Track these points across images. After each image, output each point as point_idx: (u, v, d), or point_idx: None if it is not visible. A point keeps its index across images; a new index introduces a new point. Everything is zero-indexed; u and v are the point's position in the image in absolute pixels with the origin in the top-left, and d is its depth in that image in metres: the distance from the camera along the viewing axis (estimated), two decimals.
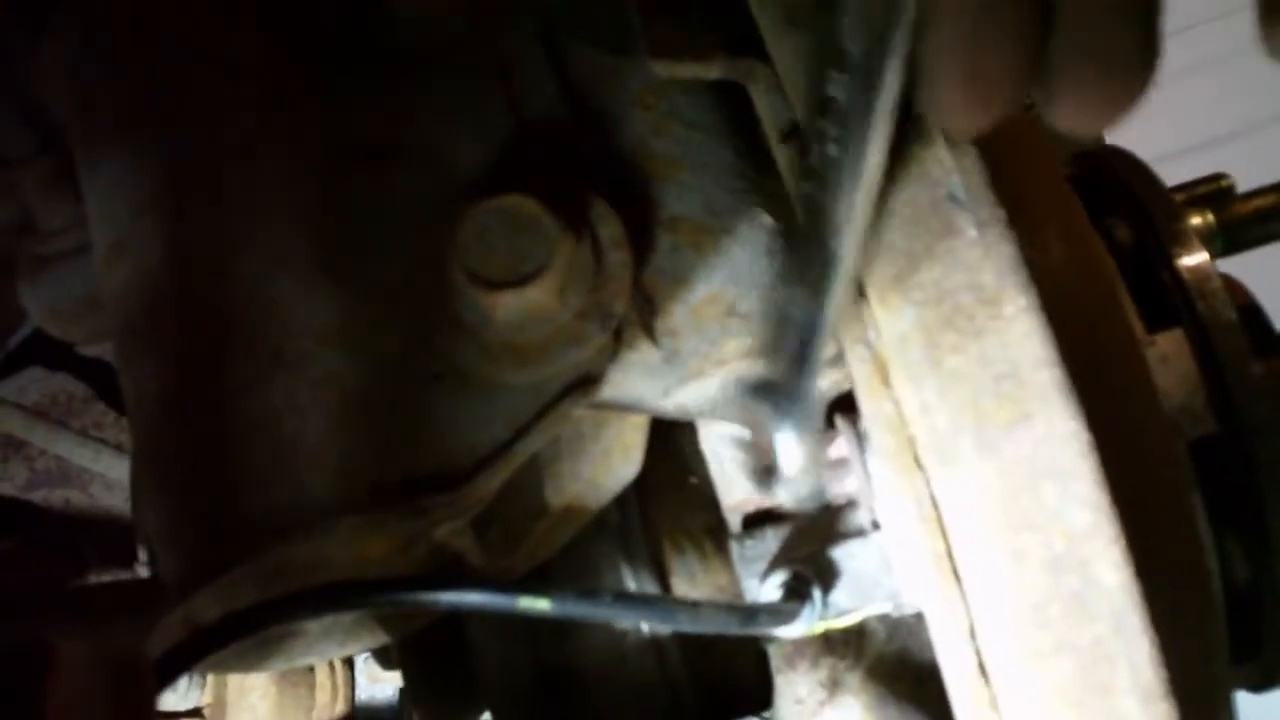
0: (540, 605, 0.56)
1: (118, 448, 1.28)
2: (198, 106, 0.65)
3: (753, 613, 0.60)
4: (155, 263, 0.62)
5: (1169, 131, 0.76)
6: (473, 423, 0.60)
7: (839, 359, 0.63)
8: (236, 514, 0.60)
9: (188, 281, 0.61)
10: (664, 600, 0.60)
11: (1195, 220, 0.73)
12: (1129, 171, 0.70)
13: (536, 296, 0.58)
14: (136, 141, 0.65)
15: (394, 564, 0.61)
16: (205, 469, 0.60)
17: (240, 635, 0.58)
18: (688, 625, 0.59)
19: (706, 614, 0.59)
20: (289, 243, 0.62)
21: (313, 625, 0.68)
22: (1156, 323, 0.67)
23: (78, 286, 0.72)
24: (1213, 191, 0.78)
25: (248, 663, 0.68)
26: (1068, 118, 0.46)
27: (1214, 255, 0.70)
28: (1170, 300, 0.67)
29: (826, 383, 0.65)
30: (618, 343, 0.62)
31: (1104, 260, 0.62)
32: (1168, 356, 0.65)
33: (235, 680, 1.02)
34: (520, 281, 0.58)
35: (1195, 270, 0.67)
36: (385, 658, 0.87)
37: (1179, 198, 0.76)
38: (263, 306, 0.61)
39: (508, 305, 0.58)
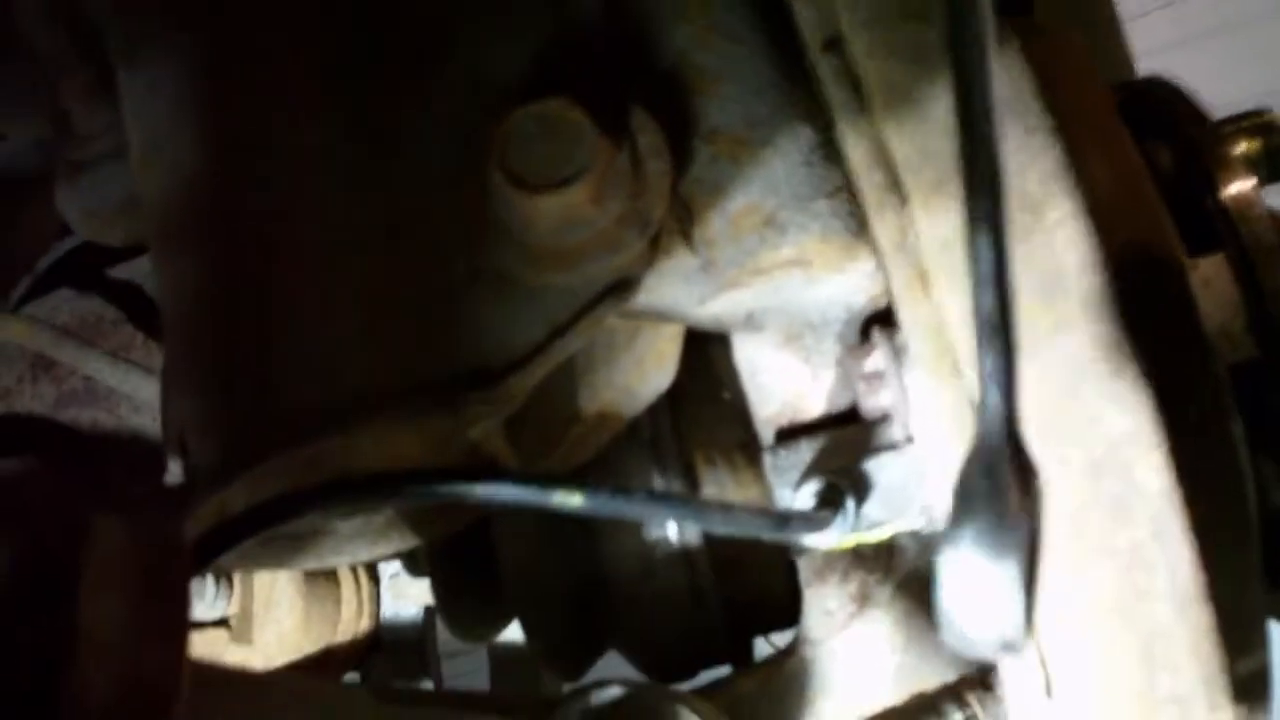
0: (573, 501, 0.56)
1: (146, 369, 1.28)
2: (237, 9, 0.64)
3: (786, 518, 0.60)
4: (193, 162, 0.62)
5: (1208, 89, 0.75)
6: (510, 323, 0.60)
7: (875, 273, 0.63)
8: (271, 406, 0.60)
9: (226, 180, 0.62)
10: (698, 501, 0.60)
11: (1240, 147, 0.72)
12: (1173, 99, 0.70)
13: (575, 200, 0.58)
14: (176, 43, 0.65)
15: (427, 463, 0.61)
16: (241, 362, 0.61)
17: (272, 523, 0.58)
18: (721, 526, 0.60)
19: (740, 516, 0.59)
20: (329, 142, 0.62)
21: (343, 524, 0.68)
22: (1197, 248, 0.66)
23: (115, 190, 0.72)
24: (1257, 124, 0.77)
25: (277, 558, 0.69)
26: None
27: (1259, 183, 0.69)
28: (1213, 225, 0.66)
29: (863, 298, 0.65)
30: (655, 250, 0.62)
31: (1146, 179, 0.62)
32: (1209, 280, 0.65)
33: (261, 593, 1.03)
34: (559, 185, 0.58)
35: (1239, 196, 0.66)
36: (414, 565, 0.87)
37: (1224, 129, 0.75)
38: (301, 205, 0.61)
39: (546, 208, 0.58)
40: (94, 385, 1.34)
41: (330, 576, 1.08)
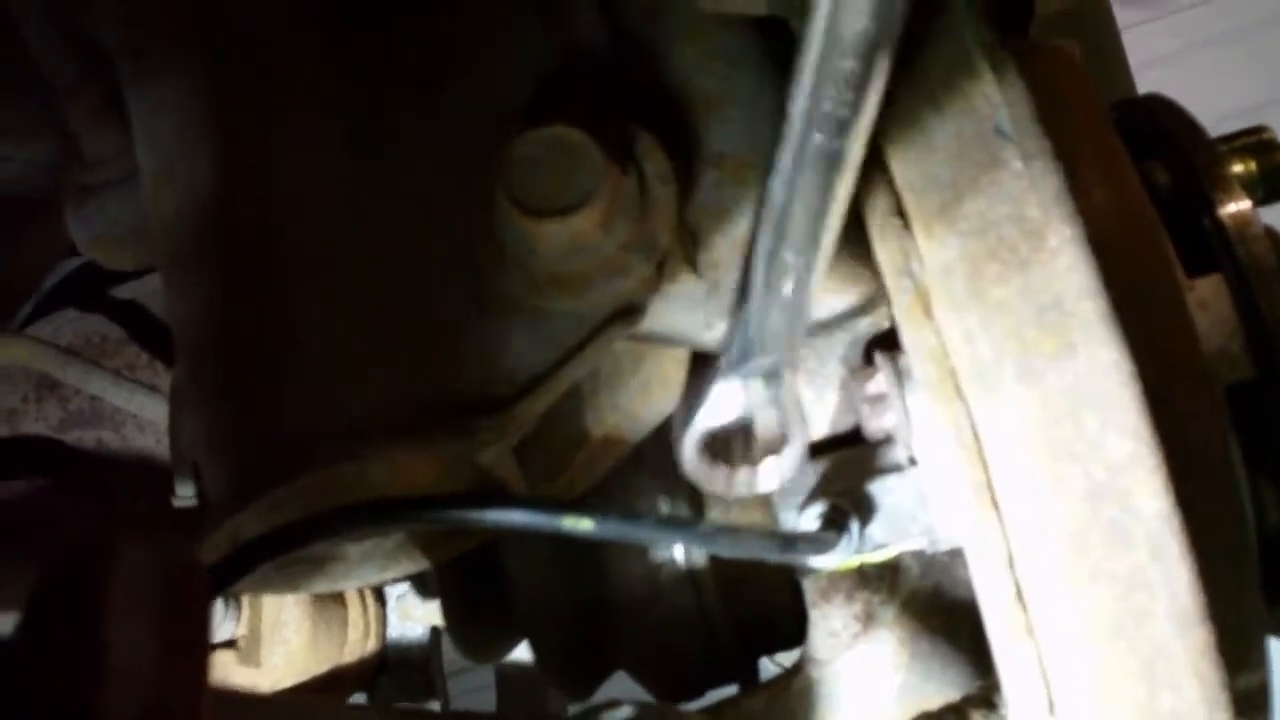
0: (583, 525, 0.57)
1: (151, 389, 1.29)
2: (248, 30, 0.65)
3: (792, 540, 0.61)
4: (203, 185, 0.63)
5: (1208, 98, 0.76)
6: (518, 348, 0.61)
7: (878, 299, 0.64)
8: (282, 433, 0.61)
9: (235, 203, 0.62)
10: (705, 525, 0.60)
11: (1237, 168, 0.73)
12: (1171, 117, 0.71)
13: (581, 226, 0.59)
14: (185, 65, 0.66)
15: (438, 488, 0.62)
16: (251, 388, 0.61)
17: (286, 549, 0.59)
18: (728, 550, 0.60)
19: (747, 539, 0.60)
20: (336, 167, 0.63)
21: (354, 548, 0.69)
22: (1195, 269, 0.67)
23: (124, 215, 0.73)
24: (1254, 143, 0.78)
25: (289, 583, 0.69)
26: None
27: (1256, 203, 0.70)
28: (1210, 246, 0.67)
29: (865, 321, 0.66)
30: (661, 275, 0.62)
31: (1145, 202, 0.62)
32: (1206, 301, 0.66)
33: (269, 615, 1.04)
34: (565, 211, 0.58)
35: (1236, 216, 0.67)
36: (423, 587, 0.88)
37: (1220, 148, 0.76)
38: (308, 229, 0.62)
39: (553, 234, 0.59)
40: (99, 405, 1.34)
41: (337, 598, 1.09)
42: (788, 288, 0.55)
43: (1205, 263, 0.67)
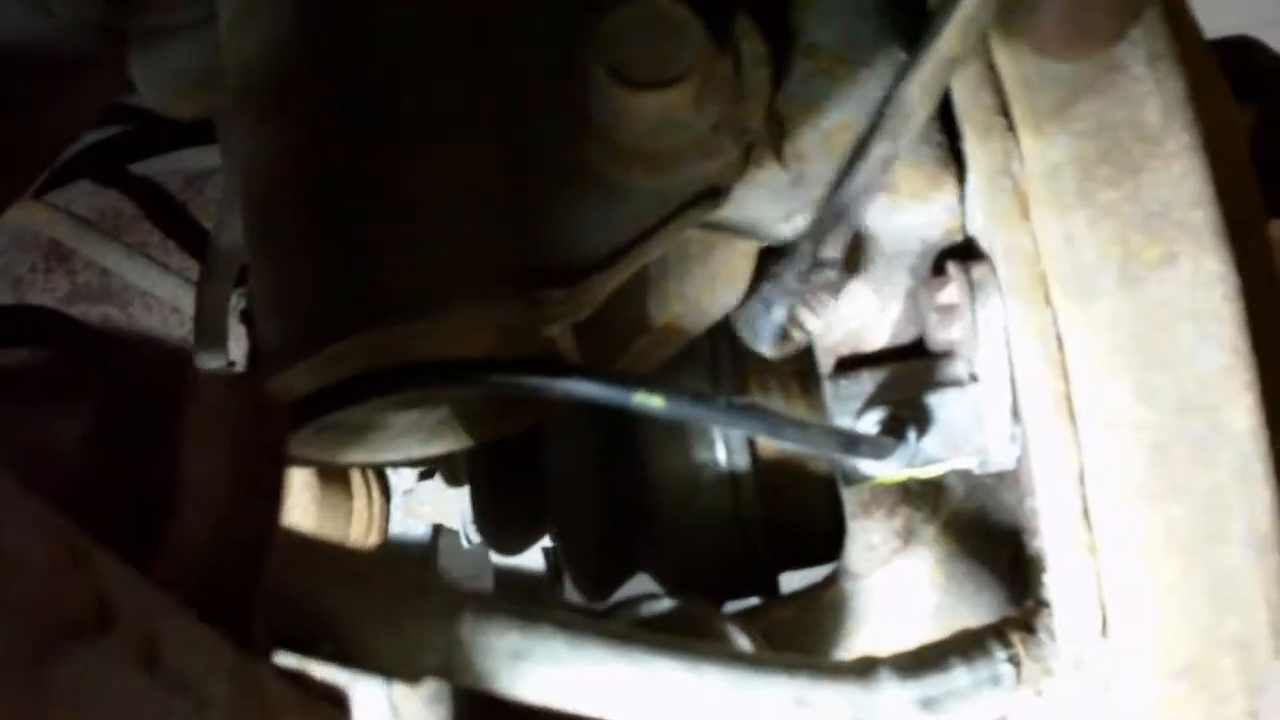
0: (654, 403, 0.56)
1: (164, 266, 1.27)
2: None
3: (855, 440, 0.60)
4: (292, 29, 0.61)
5: None
6: (597, 222, 0.60)
7: (956, 206, 0.63)
8: (347, 288, 0.59)
9: (327, 49, 0.61)
10: (775, 414, 0.59)
11: None
12: (1263, 59, 0.70)
13: (676, 101, 0.58)
14: None
15: (498, 355, 0.61)
16: (320, 239, 0.60)
17: (349, 403, 0.58)
18: (794, 441, 0.60)
19: (813, 434, 0.59)
20: (426, 22, 0.61)
21: (399, 418, 0.68)
22: (1272, 210, 0.66)
23: (193, 60, 0.71)
24: None
25: (328, 449, 0.68)
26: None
27: None
28: None
29: (939, 231, 0.65)
30: (747, 161, 0.61)
31: (1241, 131, 0.62)
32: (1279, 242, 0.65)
33: None
34: (662, 83, 0.57)
35: None
36: (452, 474, 0.87)
37: None
38: (396, 83, 0.60)
39: (647, 106, 0.58)
40: (108, 281, 1.33)
41: (344, 488, 1.08)
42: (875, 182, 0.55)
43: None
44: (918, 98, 0.54)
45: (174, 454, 0.43)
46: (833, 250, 0.60)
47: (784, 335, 0.61)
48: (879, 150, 0.55)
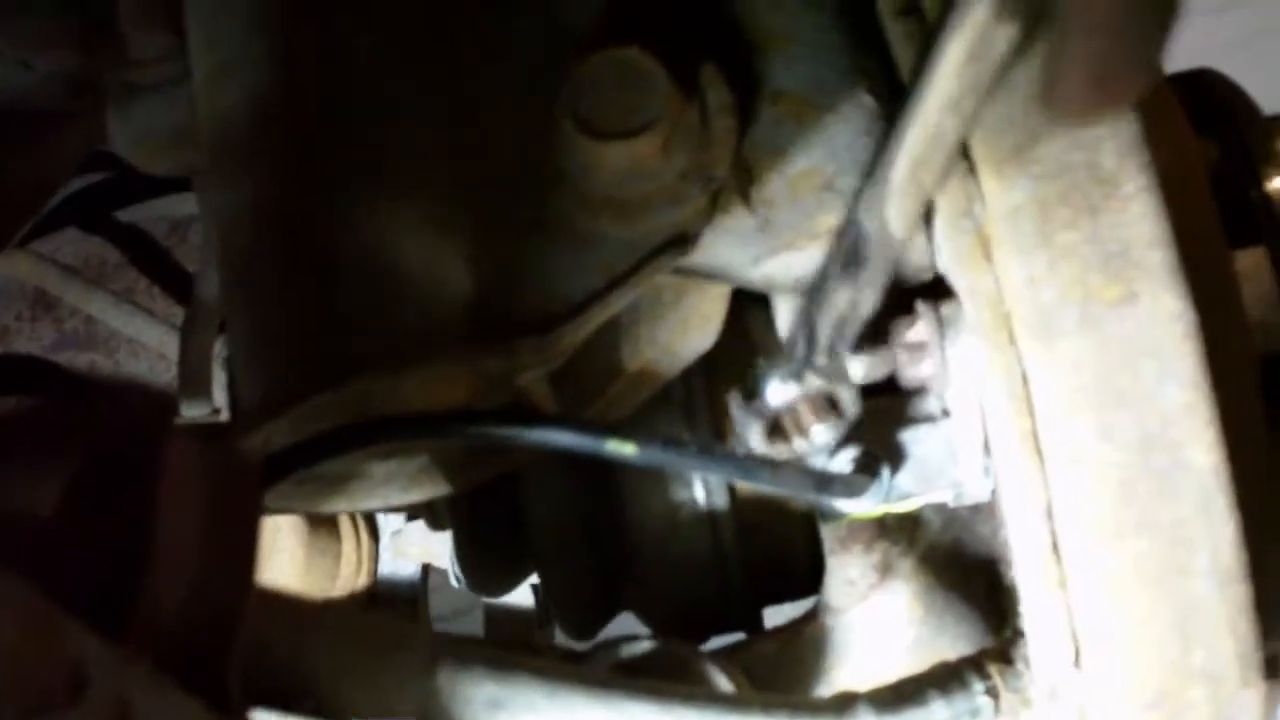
0: (626, 449, 0.57)
1: (149, 314, 1.28)
2: None
3: (827, 480, 0.61)
4: (265, 84, 0.62)
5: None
6: (568, 271, 0.60)
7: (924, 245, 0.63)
8: (323, 342, 0.60)
9: (299, 103, 0.61)
10: (747, 457, 0.60)
11: None
12: (1223, 91, 0.71)
13: (643, 150, 0.59)
14: None
15: (473, 406, 0.62)
16: (294, 294, 0.61)
17: (317, 460, 0.58)
18: (767, 483, 0.60)
19: (786, 475, 0.60)
20: (399, 77, 0.62)
21: (379, 468, 0.69)
22: (1237, 241, 0.67)
23: (169, 117, 0.72)
24: None
25: (309, 500, 0.69)
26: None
27: None
28: (1255, 218, 0.68)
29: (907, 269, 0.66)
30: (714, 207, 0.62)
31: (1201, 168, 0.63)
32: (1247, 273, 0.66)
33: (264, 542, 1.03)
34: (629, 133, 0.58)
35: None
36: (434, 518, 0.88)
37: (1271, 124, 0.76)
38: (371, 137, 0.61)
39: (614, 156, 0.59)
40: (94, 328, 1.33)
41: (332, 530, 1.08)
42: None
43: (1248, 236, 0.68)
44: (895, 224, 0.54)
45: (148, 516, 0.44)
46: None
47: (777, 429, 0.61)
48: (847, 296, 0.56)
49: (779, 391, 0.60)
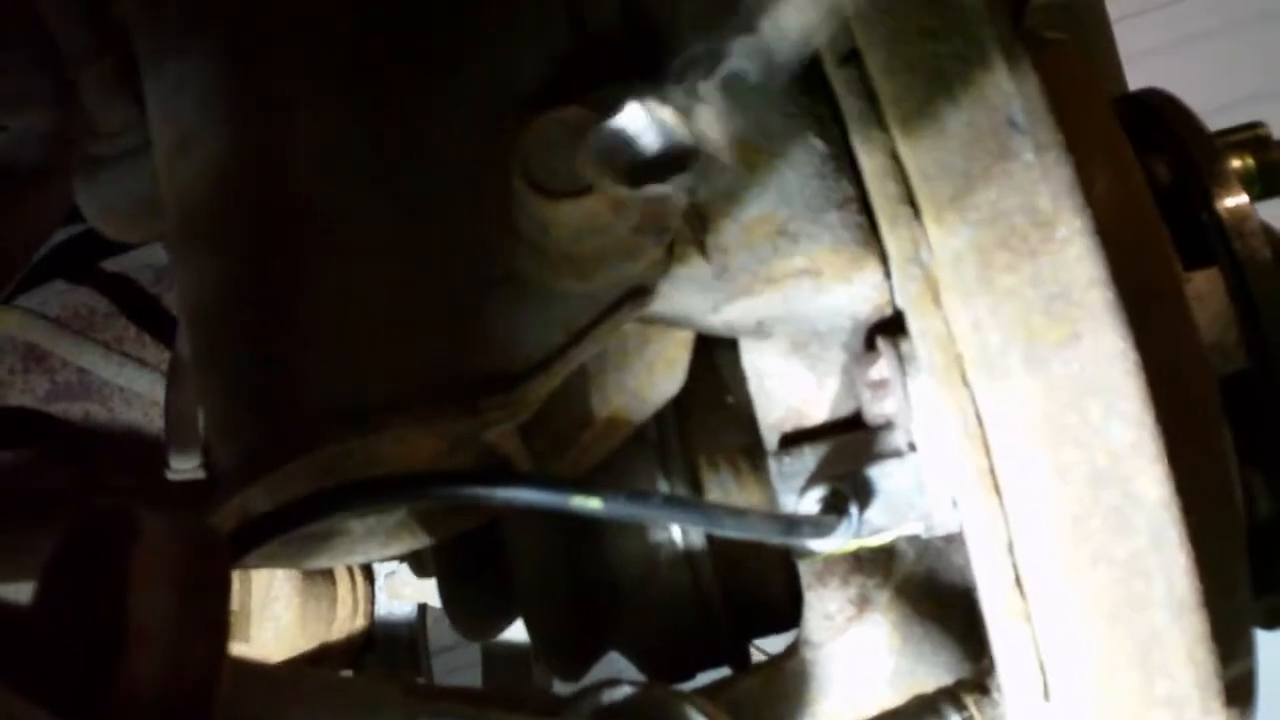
0: (592, 504, 0.58)
1: (140, 362, 1.29)
2: (265, 7, 0.65)
3: (795, 523, 0.62)
4: (220, 161, 0.63)
5: (1197, 92, 0.77)
6: (528, 328, 0.61)
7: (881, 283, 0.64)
8: (292, 409, 0.61)
9: (250, 178, 0.63)
10: (711, 505, 0.61)
11: (1235, 163, 0.74)
12: (1171, 112, 0.72)
13: (593, 207, 0.59)
14: (204, 41, 0.66)
15: (443, 465, 0.62)
16: (262, 364, 0.62)
17: (293, 526, 0.59)
18: (734, 531, 0.61)
19: (752, 521, 0.61)
20: (352, 144, 0.63)
21: (358, 524, 0.70)
22: (1192, 262, 0.68)
23: (134, 187, 0.73)
24: (1249, 138, 0.79)
25: (293, 557, 0.70)
26: None
27: (1253, 198, 0.71)
28: (1207, 239, 0.68)
29: (868, 307, 0.66)
30: (671, 257, 0.63)
31: (1147, 196, 0.63)
32: (1202, 294, 0.67)
33: (259, 590, 1.04)
34: (578, 192, 0.59)
35: (1234, 210, 0.69)
36: (419, 565, 0.88)
37: (1218, 143, 0.77)
38: (324, 206, 0.62)
39: (566, 215, 0.60)
40: (87, 378, 1.34)
41: (327, 575, 1.09)
42: None
43: (1202, 256, 0.68)
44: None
45: (122, 596, 0.45)
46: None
47: None
48: None
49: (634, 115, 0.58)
